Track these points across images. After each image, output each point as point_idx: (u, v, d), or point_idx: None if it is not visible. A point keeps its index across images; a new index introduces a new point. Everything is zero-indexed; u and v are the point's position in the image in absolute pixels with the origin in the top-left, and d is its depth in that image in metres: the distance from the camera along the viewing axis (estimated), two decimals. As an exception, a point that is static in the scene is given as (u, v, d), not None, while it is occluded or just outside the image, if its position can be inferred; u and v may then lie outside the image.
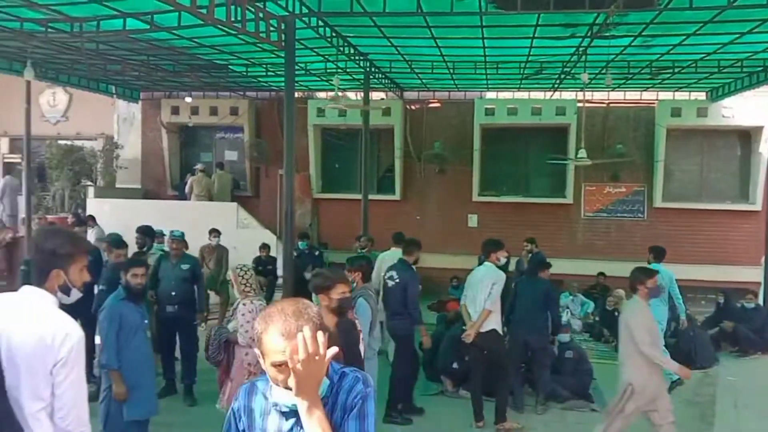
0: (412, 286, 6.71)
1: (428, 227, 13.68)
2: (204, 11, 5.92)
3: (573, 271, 12.79)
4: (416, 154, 14.31)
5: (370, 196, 12.42)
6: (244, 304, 5.16)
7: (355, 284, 5.42)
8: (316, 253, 11.57)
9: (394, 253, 9.29)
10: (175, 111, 15.34)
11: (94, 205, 13.91)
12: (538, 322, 7.25)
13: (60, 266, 2.65)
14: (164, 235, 9.03)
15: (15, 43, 9.91)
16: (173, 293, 7.30)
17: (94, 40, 9.50)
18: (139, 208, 13.33)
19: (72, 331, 2.55)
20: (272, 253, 11.72)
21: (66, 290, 2.68)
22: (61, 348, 2.48)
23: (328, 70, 11.49)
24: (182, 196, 14.66)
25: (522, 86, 13.47)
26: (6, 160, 17.68)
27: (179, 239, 7.62)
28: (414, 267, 6.93)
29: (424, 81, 13.05)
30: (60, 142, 15.79)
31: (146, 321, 5.18)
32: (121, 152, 15.56)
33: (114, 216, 12.75)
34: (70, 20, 8.28)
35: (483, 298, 6.41)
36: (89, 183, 14.95)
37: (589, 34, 8.83)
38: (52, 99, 16.73)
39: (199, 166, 14.61)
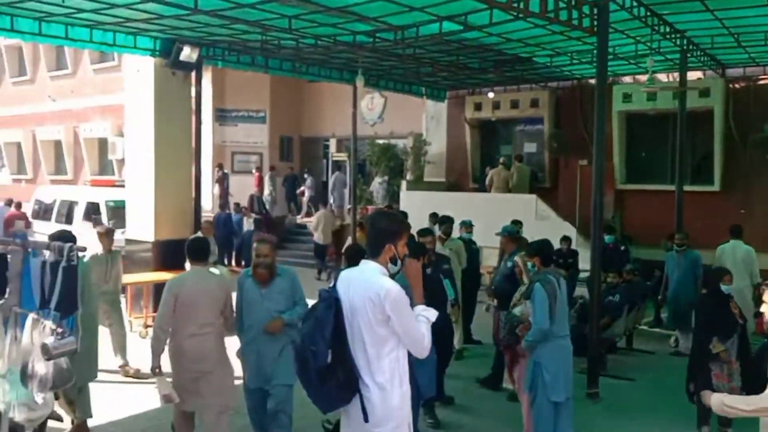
0: None
1: (756, 223, 11.90)
2: (518, 4, 6.07)
3: None
4: (740, 138, 12.61)
5: (684, 187, 11.34)
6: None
7: (535, 269, 5.40)
8: (622, 248, 10.88)
9: (736, 245, 8.93)
10: (478, 107, 15.93)
11: (406, 198, 15.25)
12: None
13: (391, 241, 3.14)
14: (472, 225, 9.45)
15: (346, 55, 11.36)
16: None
17: (412, 45, 10.35)
18: (444, 200, 14.17)
19: (390, 287, 3.02)
20: (573, 246, 11.41)
21: (394, 261, 3.17)
22: (384, 302, 2.98)
23: (639, 53, 10.79)
24: (482, 189, 15.21)
25: None
26: (334, 159, 20.41)
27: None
28: None
29: (752, 55, 11.42)
30: (377, 141, 17.67)
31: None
32: (429, 148, 16.77)
33: (423, 207, 13.78)
34: (394, 29, 9.16)
35: None
36: (386, 179, 16.52)
37: None
38: (371, 102, 18.74)
39: (500, 159, 15.01)
